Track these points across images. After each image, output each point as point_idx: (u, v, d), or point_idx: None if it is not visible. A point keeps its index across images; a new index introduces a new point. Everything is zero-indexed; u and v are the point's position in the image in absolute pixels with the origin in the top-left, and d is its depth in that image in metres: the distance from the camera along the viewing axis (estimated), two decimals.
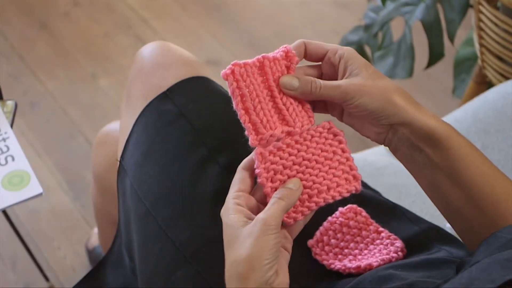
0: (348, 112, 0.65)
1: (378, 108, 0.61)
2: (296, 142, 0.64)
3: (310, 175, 0.63)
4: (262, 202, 0.63)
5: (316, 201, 0.63)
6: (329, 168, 0.64)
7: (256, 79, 0.64)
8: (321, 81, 0.63)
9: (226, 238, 0.60)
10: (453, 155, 0.62)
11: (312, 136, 0.65)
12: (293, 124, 0.64)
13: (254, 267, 0.57)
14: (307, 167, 0.63)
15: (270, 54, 0.65)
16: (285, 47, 0.65)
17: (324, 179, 0.63)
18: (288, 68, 0.65)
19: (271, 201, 0.60)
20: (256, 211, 0.62)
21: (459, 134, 0.63)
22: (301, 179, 0.63)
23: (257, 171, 0.62)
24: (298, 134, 0.64)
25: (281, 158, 0.63)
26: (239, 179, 0.63)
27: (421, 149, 0.63)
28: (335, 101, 0.63)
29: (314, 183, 0.63)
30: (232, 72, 0.63)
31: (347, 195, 0.64)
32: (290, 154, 0.63)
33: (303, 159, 0.63)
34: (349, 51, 0.64)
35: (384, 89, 0.62)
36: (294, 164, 0.63)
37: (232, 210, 0.60)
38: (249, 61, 0.64)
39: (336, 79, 0.65)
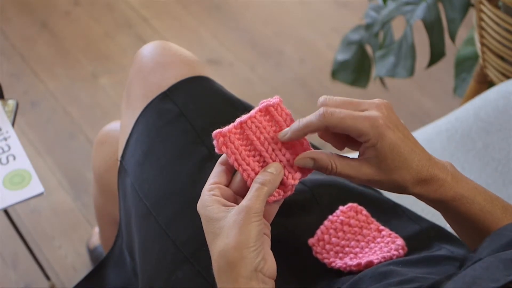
0: None
1: (389, 190, 0.62)
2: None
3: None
4: (240, 194, 0.63)
5: (294, 177, 0.63)
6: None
7: (240, 142, 0.63)
8: (338, 165, 0.60)
9: (209, 231, 0.60)
10: (468, 218, 0.64)
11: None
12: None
13: (243, 255, 0.57)
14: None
15: (246, 116, 0.64)
16: (261, 104, 0.64)
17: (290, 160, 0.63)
18: (273, 118, 0.64)
19: (254, 187, 0.60)
20: (233, 201, 0.62)
21: (472, 198, 0.63)
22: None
23: (230, 160, 0.63)
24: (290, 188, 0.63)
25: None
26: (215, 173, 0.63)
27: (435, 207, 0.65)
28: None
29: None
30: (224, 143, 0.63)
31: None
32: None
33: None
34: (385, 143, 0.59)
35: (397, 184, 0.61)
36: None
37: (208, 202, 0.60)
38: (230, 127, 0.63)
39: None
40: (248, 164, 0.62)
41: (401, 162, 0.60)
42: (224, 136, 0.63)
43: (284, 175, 0.62)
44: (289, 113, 0.64)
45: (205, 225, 0.60)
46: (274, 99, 0.64)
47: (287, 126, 0.63)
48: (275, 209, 0.63)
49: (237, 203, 0.61)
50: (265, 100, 0.64)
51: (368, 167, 0.60)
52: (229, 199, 0.62)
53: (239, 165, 0.62)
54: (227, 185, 0.63)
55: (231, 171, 0.64)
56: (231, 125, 0.63)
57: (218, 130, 0.63)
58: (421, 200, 0.64)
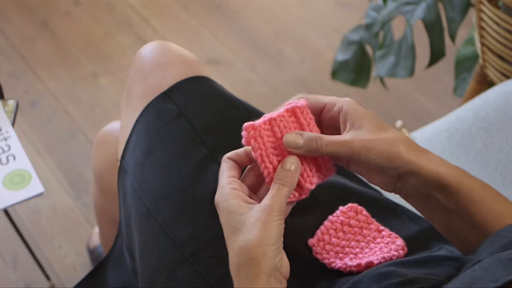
0: (352, 162, 0.65)
1: (385, 161, 0.61)
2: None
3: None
4: (252, 190, 0.64)
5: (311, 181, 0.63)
6: None
7: (268, 138, 0.64)
8: (327, 138, 0.61)
9: (229, 224, 0.60)
10: (464, 199, 0.61)
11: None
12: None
13: (265, 251, 0.57)
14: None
15: (276, 113, 0.64)
16: (288, 105, 0.64)
17: (309, 163, 0.64)
18: (298, 120, 0.64)
19: (275, 187, 0.60)
20: (249, 197, 0.62)
21: (469, 177, 0.62)
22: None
23: (255, 155, 0.63)
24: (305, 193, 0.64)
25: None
26: (228, 167, 0.63)
27: (431, 196, 0.63)
28: (342, 157, 0.62)
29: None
30: (254, 137, 0.63)
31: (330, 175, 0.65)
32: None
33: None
34: (348, 103, 0.63)
35: (389, 142, 0.61)
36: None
37: (230, 195, 0.60)
38: (260, 121, 0.63)
39: (337, 131, 0.64)
40: (271, 162, 0.63)
41: (381, 126, 0.62)
42: (255, 130, 0.63)
43: (302, 177, 0.63)
44: (312, 117, 0.64)
45: (224, 218, 0.60)
46: (301, 102, 0.64)
47: (310, 130, 0.64)
48: (287, 210, 0.64)
49: (252, 199, 0.62)
50: (291, 101, 0.65)
51: (356, 133, 0.61)
52: (245, 194, 0.62)
53: (263, 161, 0.63)
54: (239, 179, 0.64)
55: (241, 166, 0.65)
56: (261, 120, 0.63)
57: (250, 122, 0.63)
58: (416, 185, 0.62)
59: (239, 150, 0.65)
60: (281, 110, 0.64)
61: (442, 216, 0.64)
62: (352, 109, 0.62)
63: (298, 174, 0.62)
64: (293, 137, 0.62)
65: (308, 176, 0.63)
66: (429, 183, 0.62)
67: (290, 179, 0.61)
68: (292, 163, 0.62)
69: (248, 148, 0.64)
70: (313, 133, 0.62)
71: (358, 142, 0.60)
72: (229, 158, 0.64)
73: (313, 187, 0.63)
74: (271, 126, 0.63)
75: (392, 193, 0.67)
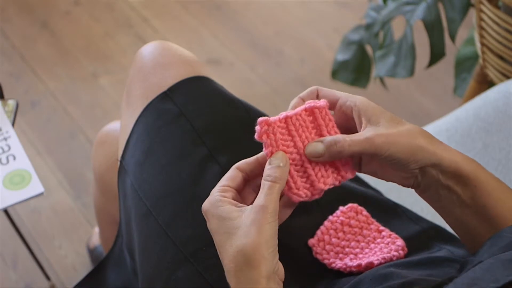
0: (367, 162, 0.64)
1: (407, 154, 0.60)
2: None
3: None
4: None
5: (324, 182, 0.62)
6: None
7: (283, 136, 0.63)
8: (348, 137, 0.61)
9: (221, 230, 0.59)
10: (481, 191, 0.62)
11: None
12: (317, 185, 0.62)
13: (263, 254, 0.56)
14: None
15: (293, 112, 0.63)
16: (307, 104, 0.64)
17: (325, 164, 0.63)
18: (316, 120, 0.63)
19: (266, 185, 0.59)
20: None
21: (484, 169, 0.63)
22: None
23: (266, 151, 0.62)
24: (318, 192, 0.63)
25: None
26: (230, 176, 0.62)
27: (449, 188, 0.62)
28: (365, 155, 0.62)
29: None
30: (266, 132, 0.62)
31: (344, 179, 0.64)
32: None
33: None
34: (361, 100, 0.63)
35: (409, 135, 0.61)
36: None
37: (220, 202, 0.60)
38: (275, 118, 0.62)
39: (349, 127, 0.64)
40: None
41: (397, 120, 0.62)
42: (269, 125, 0.62)
43: (316, 177, 0.62)
44: (332, 119, 0.64)
45: (217, 225, 0.59)
46: (321, 102, 0.64)
47: (328, 132, 0.63)
48: (287, 214, 0.63)
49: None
50: (311, 101, 0.64)
51: (375, 129, 0.61)
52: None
53: None
54: (239, 191, 0.63)
55: (245, 178, 0.63)
56: (277, 116, 0.63)
57: (265, 117, 0.62)
58: (437, 176, 0.62)
59: (250, 159, 0.64)
60: (299, 108, 0.63)
61: (457, 210, 0.63)
62: (366, 105, 0.62)
63: (288, 170, 0.61)
64: (313, 146, 0.62)
65: (322, 176, 0.62)
66: (448, 173, 0.62)
67: (280, 175, 0.60)
68: (280, 159, 0.61)
69: (260, 155, 0.63)
70: (331, 136, 0.61)
71: (379, 138, 0.60)
72: (238, 168, 0.63)
73: (326, 187, 0.62)
74: (287, 124, 0.62)
75: (392, 193, 0.67)
